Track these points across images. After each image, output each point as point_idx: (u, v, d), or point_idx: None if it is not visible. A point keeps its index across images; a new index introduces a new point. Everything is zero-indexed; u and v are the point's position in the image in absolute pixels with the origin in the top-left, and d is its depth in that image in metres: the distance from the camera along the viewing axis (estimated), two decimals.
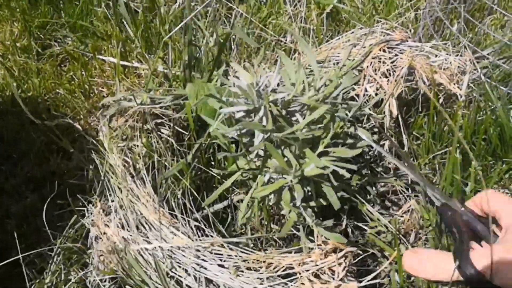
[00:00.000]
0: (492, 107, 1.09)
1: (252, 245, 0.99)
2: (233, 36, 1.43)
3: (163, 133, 1.12)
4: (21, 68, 1.54)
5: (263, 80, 0.86)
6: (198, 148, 1.06)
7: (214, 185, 1.11)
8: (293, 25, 1.46)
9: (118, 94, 1.29)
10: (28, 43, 1.62)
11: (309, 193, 0.96)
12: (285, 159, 0.87)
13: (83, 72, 1.47)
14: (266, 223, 1.04)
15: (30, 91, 1.46)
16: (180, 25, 1.22)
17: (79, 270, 1.07)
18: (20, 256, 0.97)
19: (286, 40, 1.46)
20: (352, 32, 1.26)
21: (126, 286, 0.99)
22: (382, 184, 1.17)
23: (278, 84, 0.94)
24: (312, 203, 0.94)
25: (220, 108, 0.95)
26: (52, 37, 1.65)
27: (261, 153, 0.92)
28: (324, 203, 0.92)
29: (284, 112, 0.87)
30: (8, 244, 1.12)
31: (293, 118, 0.90)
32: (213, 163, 1.15)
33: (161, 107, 1.10)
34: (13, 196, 1.21)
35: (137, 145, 1.13)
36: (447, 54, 1.13)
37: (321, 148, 0.87)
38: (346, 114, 0.98)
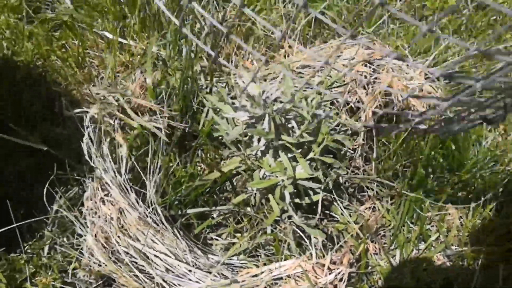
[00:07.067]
0: None
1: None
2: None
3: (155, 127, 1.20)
4: (12, 30, 1.55)
5: (267, 90, 0.97)
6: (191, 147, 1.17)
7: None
8: (283, 23, 1.56)
9: (101, 87, 1.35)
10: (19, 3, 1.62)
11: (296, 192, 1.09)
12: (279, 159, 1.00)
13: (77, 42, 1.50)
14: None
15: (22, 56, 1.48)
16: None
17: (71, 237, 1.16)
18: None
19: (275, 36, 1.55)
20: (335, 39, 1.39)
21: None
22: (350, 182, 1.32)
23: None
24: (297, 200, 1.07)
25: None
26: (43, 1, 1.66)
27: (258, 153, 1.04)
28: (309, 202, 1.05)
29: (283, 120, 0.99)
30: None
31: (289, 125, 1.02)
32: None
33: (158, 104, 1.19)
34: (6, 160, 1.26)
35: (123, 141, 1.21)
36: (425, 78, 1.28)
37: (311, 155, 1.00)
38: (331, 123, 1.12)
